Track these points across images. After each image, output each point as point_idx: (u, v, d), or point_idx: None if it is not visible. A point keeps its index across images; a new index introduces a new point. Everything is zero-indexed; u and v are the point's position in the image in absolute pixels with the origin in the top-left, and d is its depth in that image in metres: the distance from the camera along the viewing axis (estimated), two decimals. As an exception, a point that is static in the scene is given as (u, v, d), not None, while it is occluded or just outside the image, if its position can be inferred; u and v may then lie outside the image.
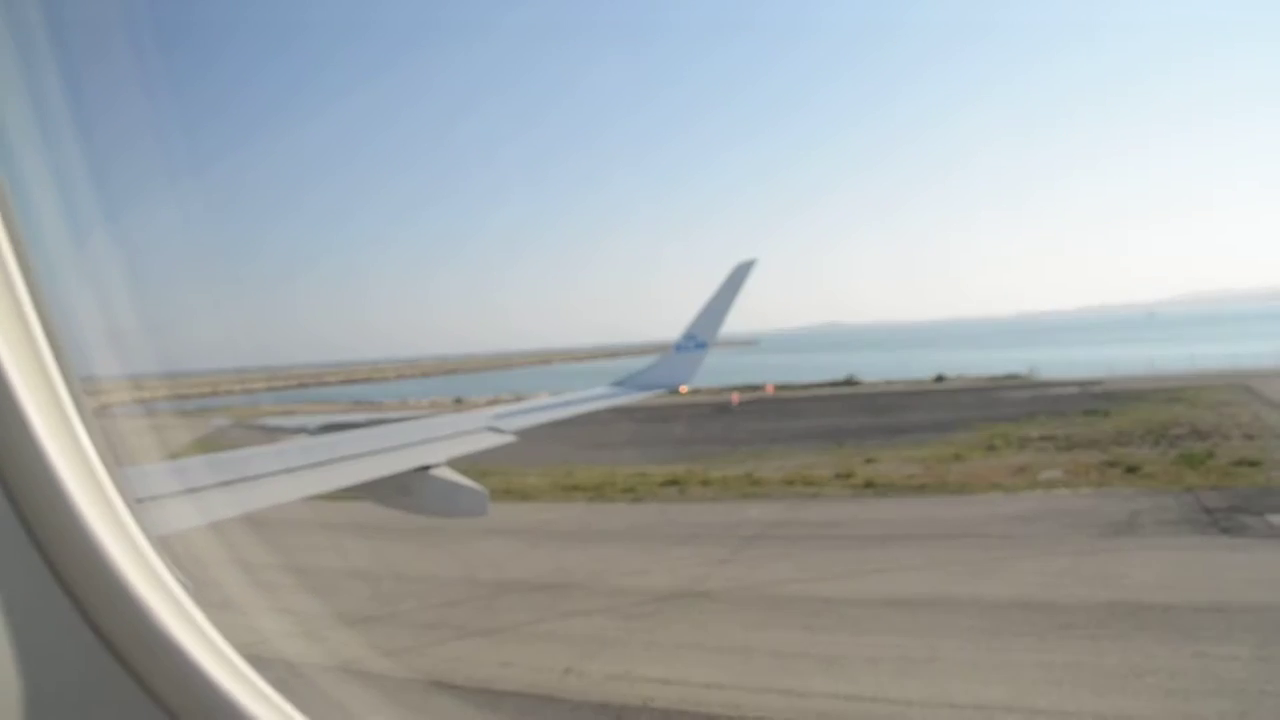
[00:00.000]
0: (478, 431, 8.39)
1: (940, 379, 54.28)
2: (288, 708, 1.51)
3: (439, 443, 7.75)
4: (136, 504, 1.47)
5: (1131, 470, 18.46)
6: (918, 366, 73.56)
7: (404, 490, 7.05)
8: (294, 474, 6.12)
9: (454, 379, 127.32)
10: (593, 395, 10.36)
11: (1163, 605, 10.12)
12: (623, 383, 10.83)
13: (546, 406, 10.00)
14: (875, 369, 71.01)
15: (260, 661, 1.54)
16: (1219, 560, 11.73)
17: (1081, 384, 42.59)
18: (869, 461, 22.91)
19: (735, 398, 46.73)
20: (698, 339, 10.52)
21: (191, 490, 5.37)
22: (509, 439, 8.52)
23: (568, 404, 10.00)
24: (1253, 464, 18.02)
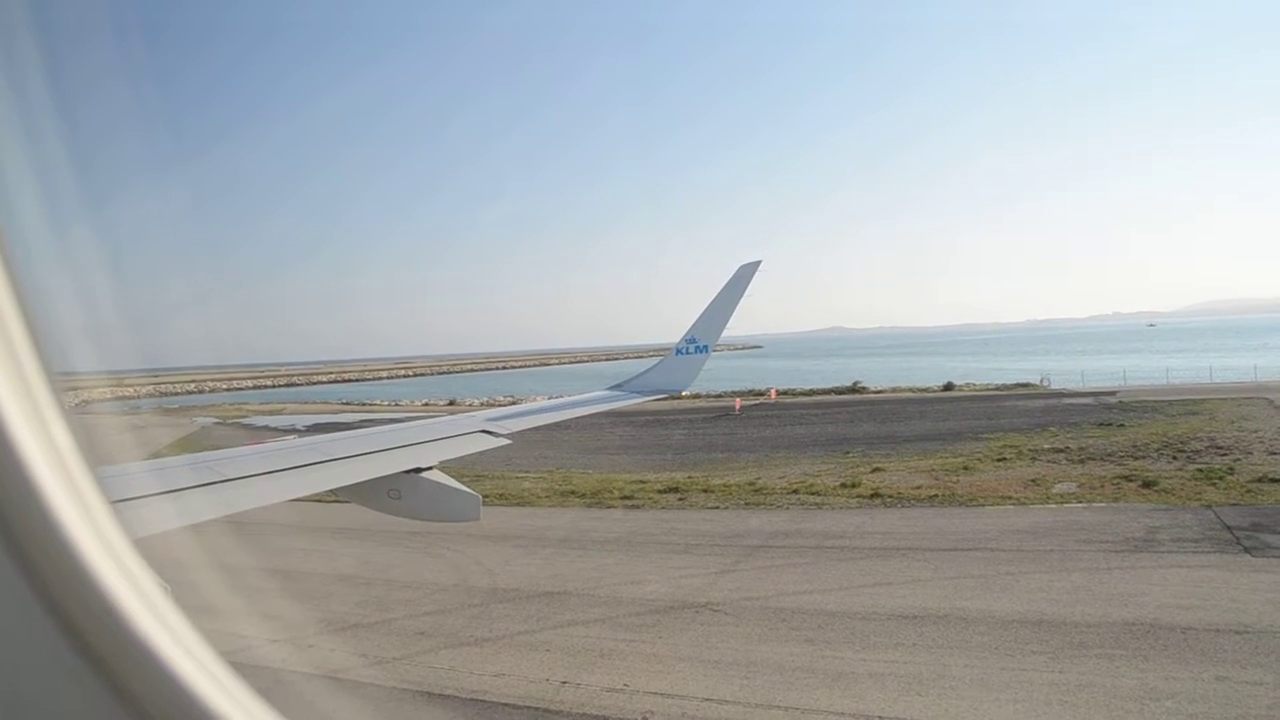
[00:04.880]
0: (471, 434, 8.21)
1: (949, 387, 53.85)
2: (271, 717, 1.47)
3: (431, 445, 7.57)
4: (115, 504, 1.44)
5: (1148, 485, 18.04)
6: (925, 373, 73.17)
7: (395, 493, 6.85)
8: (280, 475, 5.91)
9: (448, 379, 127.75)
10: (590, 399, 10.18)
11: (1182, 626, 9.81)
12: (621, 386, 10.65)
13: (543, 409, 9.83)
14: (881, 375, 70.69)
15: (243, 668, 1.45)
16: (1241, 580, 11.33)
17: (1095, 394, 42.12)
18: (875, 471, 22.60)
19: (738, 403, 46.45)
20: (699, 342, 10.32)
21: (173, 491, 5.16)
22: (504, 442, 8.33)
23: (565, 407, 9.82)
24: (1275, 481, 17.56)
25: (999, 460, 23.18)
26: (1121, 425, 29.11)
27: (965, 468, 22.11)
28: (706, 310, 10.39)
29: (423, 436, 7.73)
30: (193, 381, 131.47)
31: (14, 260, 1.33)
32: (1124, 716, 7.76)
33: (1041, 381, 52.83)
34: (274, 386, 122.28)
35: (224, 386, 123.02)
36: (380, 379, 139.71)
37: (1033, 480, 19.68)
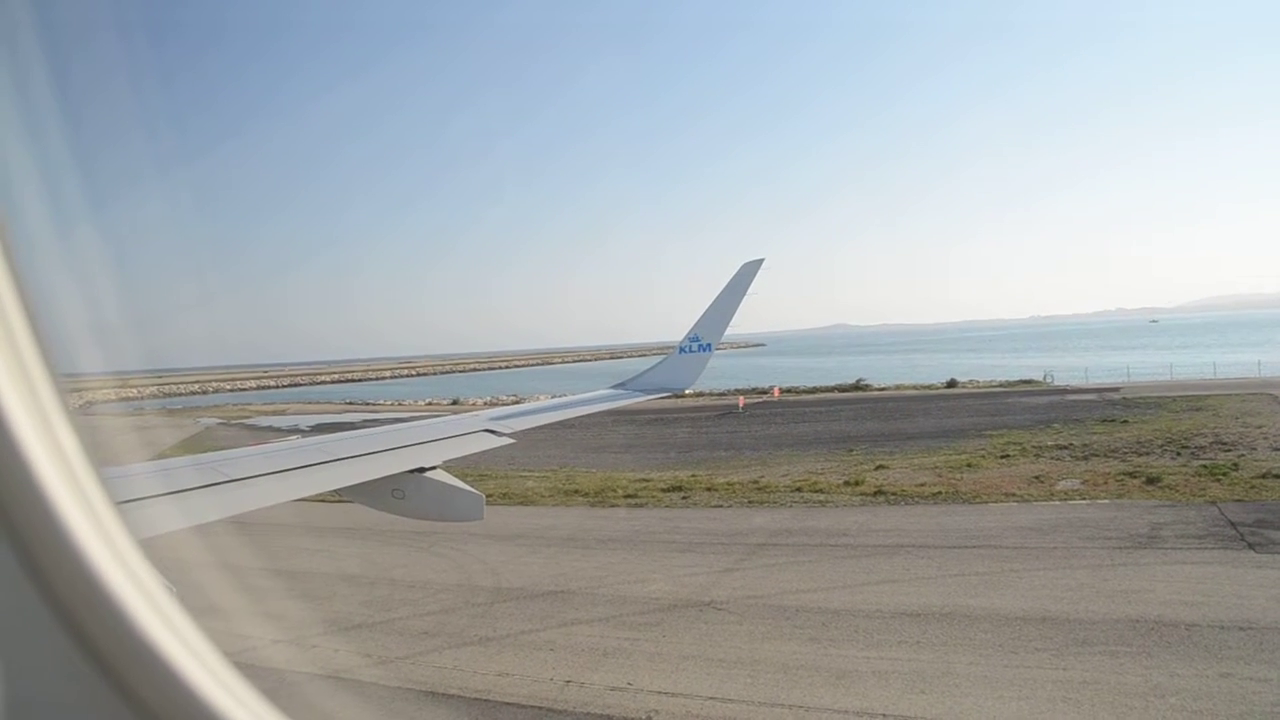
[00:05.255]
0: (475, 433, 8.21)
1: (952, 384, 53.78)
2: (275, 718, 1.46)
3: (435, 444, 7.57)
4: (120, 505, 1.43)
5: (1152, 481, 18.02)
6: (929, 370, 73.06)
7: (399, 493, 6.85)
8: (284, 476, 5.92)
9: (451, 379, 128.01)
10: (594, 397, 10.18)
11: (1186, 622, 9.79)
12: (625, 384, 10.65)
13: (546, 408, 9.83)
14: (885, 373, 70.60)
15: (247, 669, 1.46)
16: (1245, 577, 11.31)
17: (1099, 391, 42.01)
18: (879, 468, 22.58)
19: (741, 401, 46.43)
20: (702, 340, 10.31)
21: (177, 492, 5.17)
22: (507, 441, 8.33)
23: (568, 406, 9.83)
24: (1280, 477, 17.48)
25: (1003, 457, 23.15)
26: (1125, 421, 29.05)
27: (969, 465, 22.09)
28: (709, 309, 10.37)
29: (426, 436, 7.72)
30: (196, 382, 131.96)
31: (19, 261, 1.32)
32: (1128, 713, 7.74)
33: (1045, 378, 52.73)
34: (277, 387, 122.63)
35: (228, 387, 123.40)
36: (384, 379, 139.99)
37: (1036, 477, 19.66)
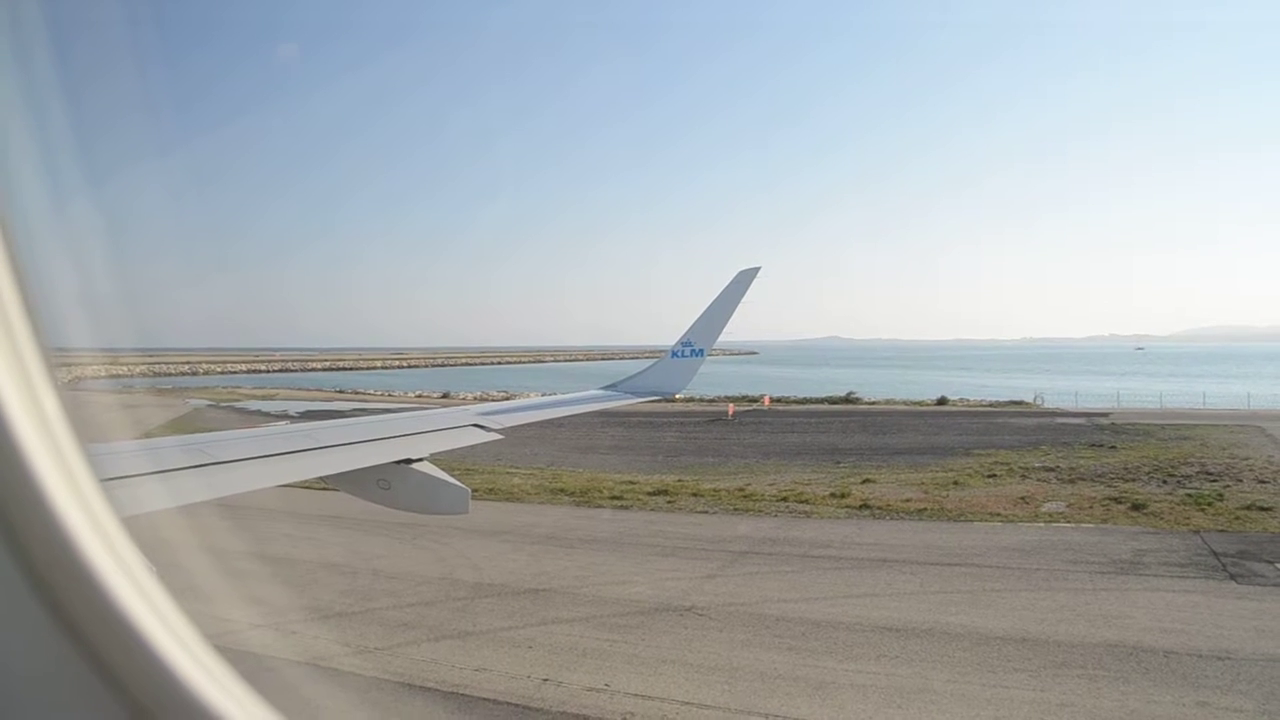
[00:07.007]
0: (463, 427, 8.16)
1: (943, 401, 53.93)
2: (252, 701, 1.44)
3: (422, 437, 7.53)
4: (105, 482, 1.41)
5: (1137, 507, 18.10)
6: (920, 386, 73.32)
7: (384, 483, 6.81)
8: (271, 460, 5.86)
9: (442, 372, 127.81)
10: (584, 397, 10.13)
11: (1165, 649, 9.84)
12: (615, 386, 10.60)
13: (536, 406, 9.80)
14: (876, 387, 70.79)
15: (225, 651, 1.44)
16: (1225, 607, 11.37)
17: (1088, 415, 42.19)
18: (865, 482, 22.60)
19: (731, 409, 46.46)
20: (695, 345, 10.27)
21: (163, 471, 5.11)
22: (495, 437, 8.29)
23: (558, 404, 9.79)
24: (1265, 509, 17.60)
25: (989, 476, 23.21)
26: (1113, 447, 29.17)
27: (955, 482, 22.13)
28: (704, 314, 10.34)
29: (414, 428, 7.68)
30: (187, 363, 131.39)
31: (14, 235, 1.31)
32: (1103, 738, 7.79)
33: (1035, 400, 52.94)
34: (268, 371, 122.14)
35: (218, 369, 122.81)
36: (375, 369, 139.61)
37: (1022, 498, 19.71)
